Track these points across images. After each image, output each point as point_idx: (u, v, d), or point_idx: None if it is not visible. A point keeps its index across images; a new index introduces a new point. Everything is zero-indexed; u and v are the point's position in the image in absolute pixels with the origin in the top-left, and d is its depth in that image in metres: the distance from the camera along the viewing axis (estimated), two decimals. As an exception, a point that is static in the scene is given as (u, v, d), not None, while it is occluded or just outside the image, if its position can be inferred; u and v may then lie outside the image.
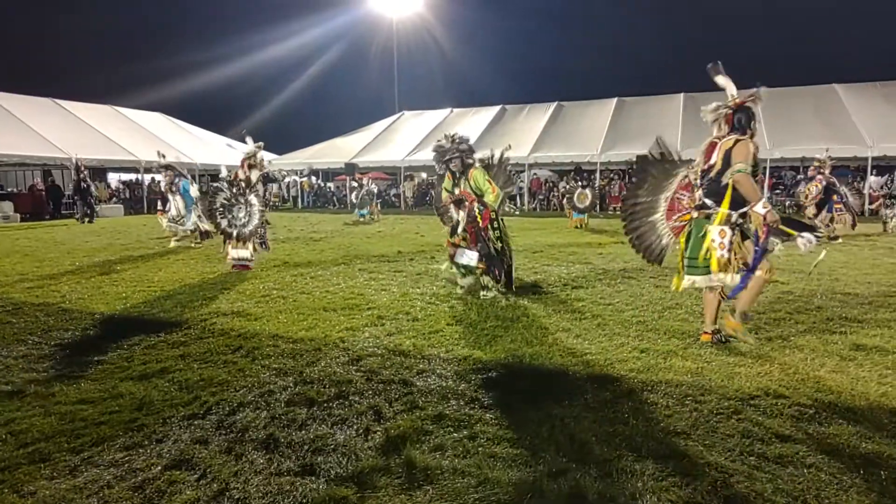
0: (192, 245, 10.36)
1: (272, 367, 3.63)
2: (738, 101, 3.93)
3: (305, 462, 2.44)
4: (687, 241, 4.05)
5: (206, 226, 10.18)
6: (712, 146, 3.94)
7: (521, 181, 21.43)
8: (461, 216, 5.68)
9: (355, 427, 2.77)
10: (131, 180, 27.84)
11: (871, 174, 18.68)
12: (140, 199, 24.29)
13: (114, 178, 28.48)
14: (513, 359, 3.72)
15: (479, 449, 2.52)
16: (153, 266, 7.94)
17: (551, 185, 25.09)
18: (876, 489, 2.18)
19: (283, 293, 5.92)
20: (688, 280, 4.03)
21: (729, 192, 3.77)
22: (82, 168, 17.80)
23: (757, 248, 3.82)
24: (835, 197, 10.74)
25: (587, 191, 14.23)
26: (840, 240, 10.32)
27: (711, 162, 3.90)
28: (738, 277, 3.81)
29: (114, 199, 24.65)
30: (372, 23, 41.84)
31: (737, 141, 3.79)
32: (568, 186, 15.45)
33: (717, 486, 2.21)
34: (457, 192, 5.78)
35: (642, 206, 4.48)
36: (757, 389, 3.15)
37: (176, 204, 10.71)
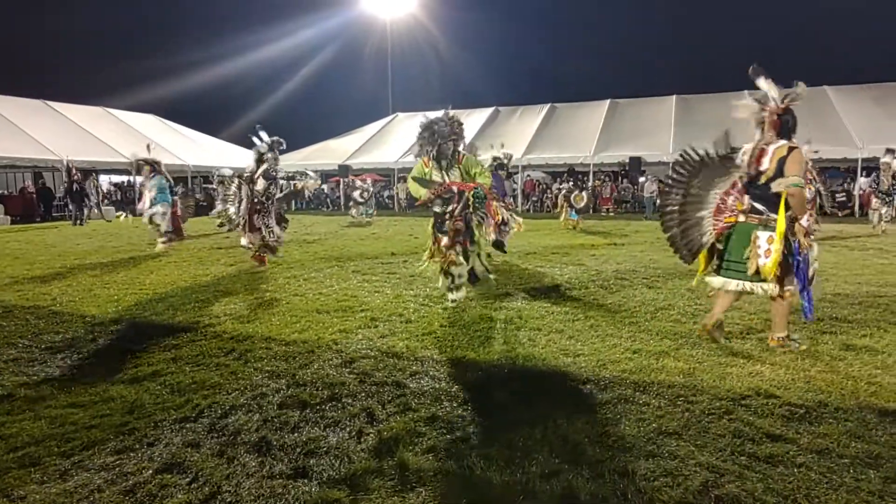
0: (157, 248, 9.79)
1: (265, 369, 3.61)
2: (785, 104, 3.87)
3: (298, 465, 2.44)
4: (727, 241, 3.98)
5: (166, 226, 9.93)
6: (762, 152, 3.86)
7: (515, 183, 21.47)
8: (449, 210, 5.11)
9: (348, 429, 2.77)
10: (123, 182, 27.68)
11: (861, 175, 18.82)
12: (132, 202, 24.14)
13: (105, 181, 28.30)
14: (506, 360, 3.73)
15: (472, 451, 2.52)
16: (145, 268, 7.90)
17: (544, 186, 25.15)
18: (865, 488, 2.20)
19: (276, 295, 5.90)
20: (721, 281, 4.00)
21: (783, 202, 3.73)
22: (74, 171, 17.69)
23: (798, 259, 3.82)
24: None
25: (583, 192, 14.36)
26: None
27: (762, 168, 3.82)
28: (773, 287, 3.80)
29: (105, 201, 24.49)
30: (365, 24, 41.82)
31: (790, 149, 3.74)
32: (569, 186, 15.58)
33: (708, 486, 2.22)
34: (439, 180, 5.25)
35: (692, 200, 4.26)
36: (748, 389, 3.17)
37: (149, 199, 10.10)
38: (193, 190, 18.44)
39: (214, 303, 5.58)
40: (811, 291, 3.91)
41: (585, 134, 22.80)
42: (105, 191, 26.03)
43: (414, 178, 5.38)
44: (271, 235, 7.70)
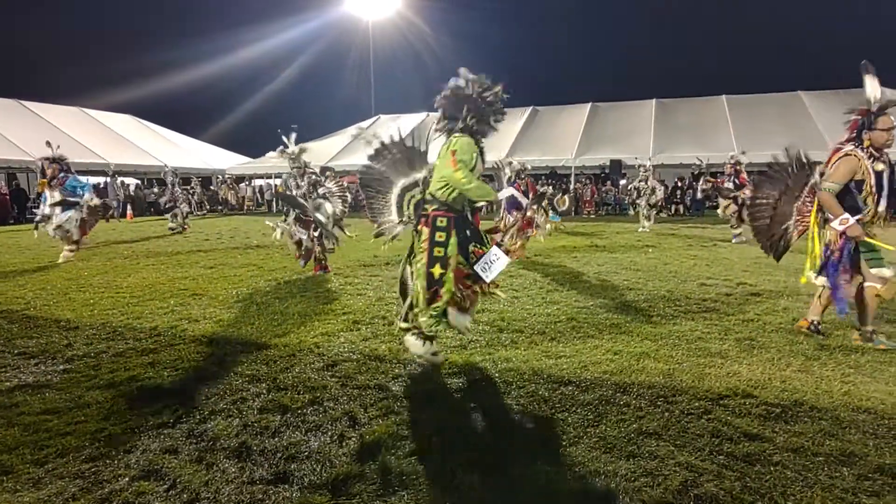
0: (60, 259, 8.66)
1: (244, 373, 3.57)
2: (873, 108, 3.93)
3: (279, 470, 2.41)
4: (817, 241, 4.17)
5: (77, 234, 8.94)
6: (834, 152, 4.06)
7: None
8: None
9: (330, 433, 2.75)
10: (99, 184, 27.16)
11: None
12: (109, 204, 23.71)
13: (81, 182, 27.77)
14: (487, 362, 3.73)
15: (455, 454, 2.52)
16: (121, 272, 7.76)
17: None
18: (839, 486, 2.25)
19: (257, 298, 5.84)
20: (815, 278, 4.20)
21: (829, 202, 3.96)
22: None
23: (829, 257, 4.03)
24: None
25: (566, 196, 14.51)
26: (742, 237, 10.72)
27: (829, 168, 4.05)
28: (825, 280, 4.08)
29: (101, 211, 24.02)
30: (348, 26, 41.71)
31: (845, 155, 3.93)
32: (551, 189, 15.71)
33: (687, 486, 2.25)
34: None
35: (787, 197, 4.45)
36: (726, 389, 3.22)
37: (51, 200, 8.84)
38: (107, 192, 17.67)
39: (193, 306, 5.50)
40: (841, 289, 4.02)
41: (567, 137, 23.01)
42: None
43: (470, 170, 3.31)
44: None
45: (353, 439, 2.68)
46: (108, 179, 22.63)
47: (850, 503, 2.14)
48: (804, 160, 4.32)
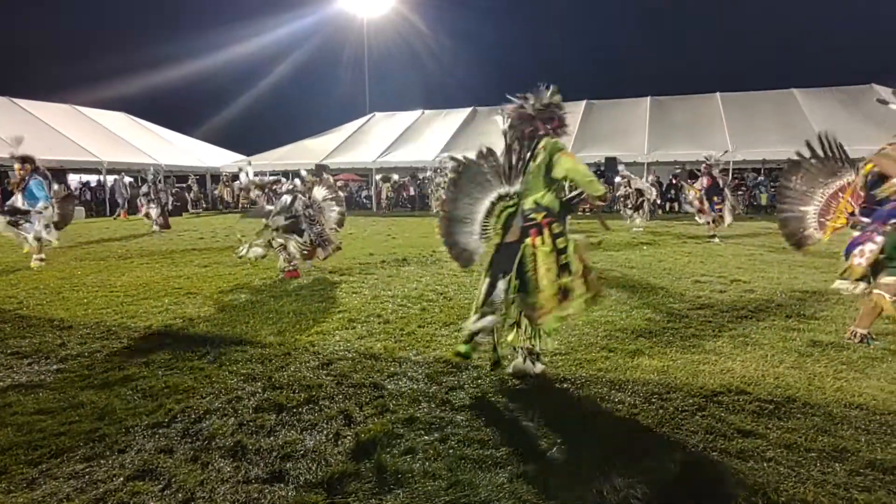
0: (32, 264, 7.95)
1: (240, 372, 3.57)
2: None
3: (274, 469, 2.41)
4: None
5: (51, 236, 8.39)
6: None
7: None
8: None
9: (325, 432, 2.75)
10: (90, 182, 27.04)
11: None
12: (102, 202, 23.60)
13: (74, 179, 27.60)
14: (484, 360, 3.74)
15: (450, 451, 2.53)
16: (115, 270, 7.73)
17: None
18: (832, 481, 2.27)
19: (252, 297, 5.82)
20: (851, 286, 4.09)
21: None
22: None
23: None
24: (715, 198, 11.25)
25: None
26: (717, 240, 10.75)
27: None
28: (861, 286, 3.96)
29: (74, 201, 23.89)
30: (343, 23, 41.59)
31: None
32: None
33: (681, 482, 2.26)
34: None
35: (795, 195, 4.41)
36: (720, 386, 3.24)
37: (15, 204, 8.19)
38: (71, 189, 16.87)
39: (187, 305, 5.49)
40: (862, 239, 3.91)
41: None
42: (73, 189, 25.41)
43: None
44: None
45: (349, 438, 2.68)
46: (116, 178, 22.52)
47: (842, 498, 2.16)
48: (841, 154, 4.17)
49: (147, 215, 14.17)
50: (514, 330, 3.48)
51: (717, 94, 23.97)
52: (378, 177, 25.96)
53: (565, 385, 3.29)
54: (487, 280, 3.33)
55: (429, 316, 4.93)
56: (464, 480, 2.29)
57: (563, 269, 3.20)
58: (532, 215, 3.29)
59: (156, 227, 13.72)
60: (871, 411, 2.91)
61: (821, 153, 4.26)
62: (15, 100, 23.18)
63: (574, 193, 3.53)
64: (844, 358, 3.73)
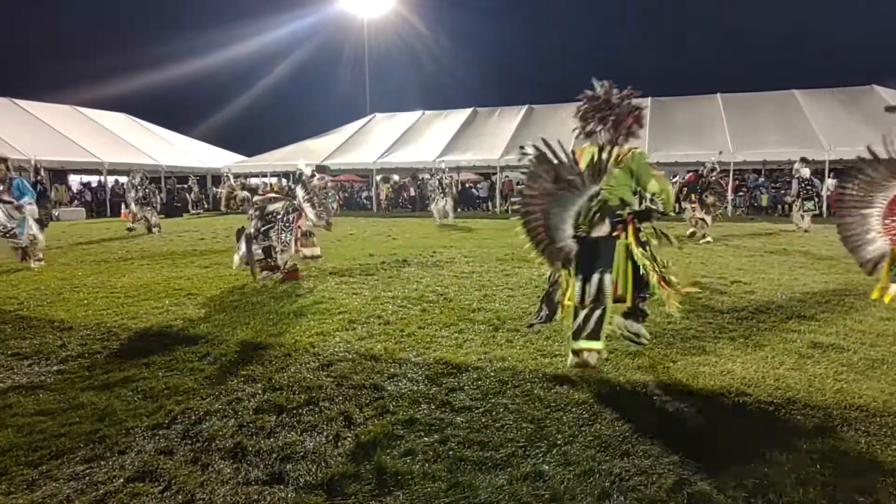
0: (33, 265, 7.93)
1: (240, 373, 3.57)
2: None
3: (274, 470, 2.41)
4: None
5: (41, 235, 8.29)
6: None
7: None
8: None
9: (325, 433, 2.75)
10: (91, 182, 27.06)
11: (829, 177, 19.36)
12: (103, 202, 23.62)
13: (75, 181, 27.65)
14: (483, 361, 3.74)
15: (450, 453, 2.53)
16: (116, 271, 7.73)
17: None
18: (832, 483, 2.26)
19: (252, 298, 5.83)
20: None
21: None
22: (41, 170, 17.20)
23: None
24: (692, 196, 11.28)
25: None
26: (708, 238, 10.75)
27: None
28: None
29: (75, 202, 23.92)
30: (343, 23, 41.61)
31: None
32: None
33: (681, 484, 2.26)
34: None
35: (853, 199, 4.03)
36: (720, 387, 3.24)
37: (3, 209, 7.97)
38: (45, 190, 16.48)
39: (188, 306, 5.49)
40: None
41: (563, 135, 22.62)
42: (76, 191, 25.47)
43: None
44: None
45: (349, 439, 2.68)
46: (127, 178, 22.49)
47: (841, 501, 2.16)
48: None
49: (145, 219, 13.94)
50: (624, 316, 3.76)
51: (718, 94, 23.98)
52: (378, 177, 25.97)
53: (564, 386, 3.29)
54: (581, 277, 3.43)
55: (429, 317, 4.93)
56: (464, 482, 2.29)
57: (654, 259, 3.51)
58: (619, 212, 3.53)
59: (155, 231, 13.65)
60: (872, 413, 2.91)
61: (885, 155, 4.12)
62: (16, 101, 23.23)
63: (650, 205, 3.81)
64: (845, 360, 3.72)
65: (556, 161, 3.16)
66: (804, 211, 12.97)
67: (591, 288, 3.39)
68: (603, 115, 3.66)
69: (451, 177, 19.03)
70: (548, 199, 3.30)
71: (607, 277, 3.41)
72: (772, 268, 7.50)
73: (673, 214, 3.75)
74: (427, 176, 21.08)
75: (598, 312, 3.38)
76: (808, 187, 13.06)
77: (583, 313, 3.40)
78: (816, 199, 13.50)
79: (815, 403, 3.03)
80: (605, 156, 3.24)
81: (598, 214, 3.42)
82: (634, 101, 3.67)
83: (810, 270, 7.19)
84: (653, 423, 2.80)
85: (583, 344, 3.40)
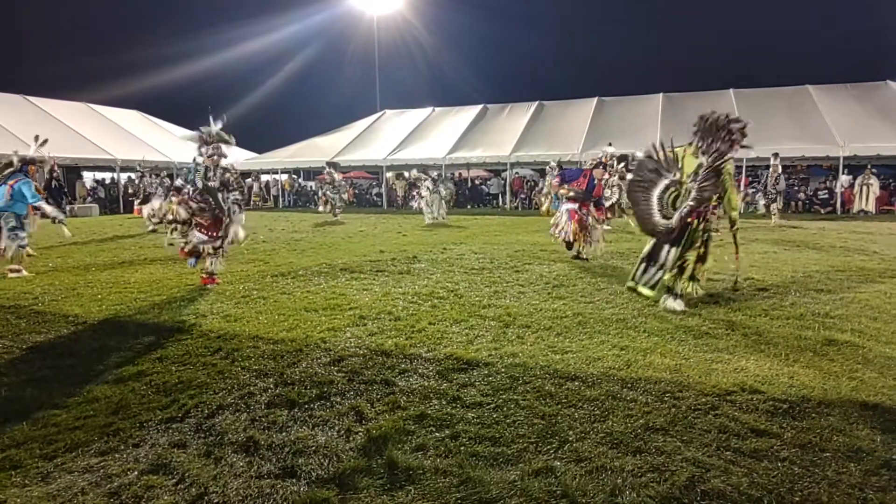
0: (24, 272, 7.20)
1: (252, 368, 3.59)
2: None
3: (286, 464, 2.43)
4: None
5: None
6: None
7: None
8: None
9: (337, 428, 2.76)
10: (105, 179, 27.30)
11: (843, 173, 19.11)
12: (116, 199, 23.83)
13: (88, 177, 27.90)
14: (494, 357, 3.74)
15: (461, 448, 2.53)
16: (129, 267, 7.80)
17: (532, 183, 25.23)
18: (847, 482, 2.24)
19: (264, 294, 5.86)
20: None
21: None
22: (55, 167, 17.38)
23: None
24: None
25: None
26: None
27: None
28: None
29: (88, 198, 24.16)
30: (353, 20, 41.58)
31: None
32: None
33: (694, 481, 2.24)
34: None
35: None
36: (733, 385, 3.21)
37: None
38: (62, 187, 16.07)
39: (200, 301, 5.53)
40: None
41: (573, 131, 22.88)
42: (89, 188, 25.71)
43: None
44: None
45: (360, 434, 2.69)
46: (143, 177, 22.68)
47: (857, 499, 2.13)
48: None
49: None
50: (675, 277, 4.97)
51: (731, 90, 23.71)
52: (389, 174, 25.96)
53: (576, 383, 3.28)
54: (652, 243, 5.15)
55: (439, 313, 4.93)
56: (475, 477, 2.29)
57: (705, 243, 4.91)
58: (691, 202, 4.78)
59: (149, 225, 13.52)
60: (888, 411, 2.87)
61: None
62: (29, 98, 23.46)
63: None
64: (860, 357, 3.68)
65: (654, 157, 4.99)
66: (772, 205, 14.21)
67: (661, 253, 4.99)
68: (715, 133, 4.79)
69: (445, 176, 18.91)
70: (643, 186, 5.09)
71: (673, 250, 4.92)
72: (785, 265, 7.42)
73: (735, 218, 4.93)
74: (413, 174, 20.63)
75: (659, 273, 4.97)
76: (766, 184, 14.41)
77: (645, 267, 5.10)
78: (774, 195, 14.64)
79: (830, 401, 2.99)
80: (712, 163, 4.69)
81: (675, 199, 4.92)
82: (731, 118, 4.83)
83: (825, 267, 7.11)
84: (665, 421, 2.78)
85: (640, 288, 5.11)
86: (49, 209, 7.85)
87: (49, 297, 5.80)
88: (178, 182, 5.91)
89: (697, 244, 4.87)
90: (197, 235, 6.15)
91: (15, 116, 20.96)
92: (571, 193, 7.84)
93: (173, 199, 5.95)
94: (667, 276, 4.93)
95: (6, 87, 23.23)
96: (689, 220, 4.77)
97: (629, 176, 5.19)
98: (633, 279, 5.26)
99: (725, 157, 4.72)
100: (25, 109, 22.52)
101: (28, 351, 4.01)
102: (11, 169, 7.64)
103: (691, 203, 4.74)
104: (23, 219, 7.44)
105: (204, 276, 6.35)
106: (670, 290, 4.97)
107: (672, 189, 4.99)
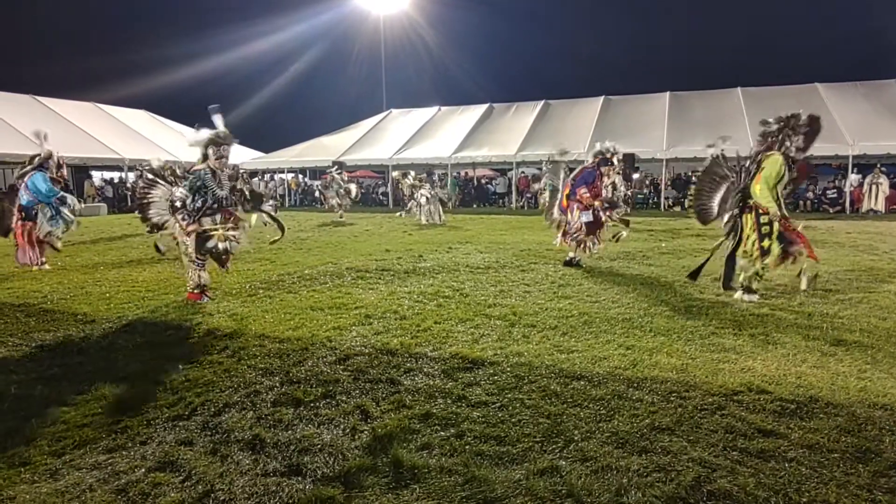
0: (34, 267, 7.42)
1: (258, 366, 3.60)
2: None
3: (292, 462, 2.43)
4: None
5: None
6: None
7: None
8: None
9: (342, 427, 2.76)
10: (113, 179, 27.48)
11: (852, 172, 18.96)
12: (124, 198, 23.98)
13: (97, 177, 28.08)
14: (500, 356, 3.73)
15: (467, 447, 2.53)
16: (137, 266, 7.85)
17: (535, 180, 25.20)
18: (855, 482, 2.22)
19: (270, 292, 5.88)
20: None
21: None
22: (63, 166, 17.51)
23: None
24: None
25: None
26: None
27: None
28: None
29: (97, 197, 24.33)
30: (359, 20, 41.62)
31: None
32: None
33: (700, 482, 2.23)
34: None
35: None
36: (740, 385, 3.19)
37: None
38: (69, 187, 16.13)
39: (207, 300, 5.54)
40: None
41: (579, 130, 22.81)
42: (97, 187, 25.88)
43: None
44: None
45: (366, 433, 2.69)
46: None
47: (865, 500, 2.12)
48: None
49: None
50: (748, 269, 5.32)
51: (738, 88, 23.56)
52: (395, 173, 25.99)
53: (582, 382, 3.27)
54: (724, 238, 5.59)
55: (445, 312, 4.93)
56: (480, 477, 2.29)
57: (764, 236, 5.10)
58: (748, 201, 5.23)
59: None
60: (897, 412, 2.85)
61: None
62: (38, 98, 23.63)
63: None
64: (868, 357, 3.65)
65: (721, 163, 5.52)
66: None
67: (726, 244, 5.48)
68: (788, 133, 5.18)
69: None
70: (710, 185, 5.64)
71: (729, 243, 5.43)
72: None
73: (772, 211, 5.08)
74: (396, 174, 20.37)
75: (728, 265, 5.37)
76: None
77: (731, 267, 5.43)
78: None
79: (838, 402, 2.97)
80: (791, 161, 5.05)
81: (736, 199, 5.33)
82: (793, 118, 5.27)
83: (833, 267, 7.05)
84: (671, 420, 2.77)
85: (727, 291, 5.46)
86: (70, 199, 8.20)
87: (58, 295, 5.85)
88: (179, 193, 5.45)
89: (753, 237, 5.17)
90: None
91: (24, 116, 21.10)
92: (606, 204, 7.52)
93: (181, 221, 5.50)
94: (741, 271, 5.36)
95: (16, 88, 23.43)
96: (742, 215, 5.27)
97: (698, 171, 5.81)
98: (726, 286, 5.43)
99: (769, 153, 5.12)
100: (34, 109, 22.68)
101: (37, 349, 4.04)
102: (27, 168, 8.01)
103: (737, 196, 5.23)
104: (62, 208, 7.81)
105: (193, 291, 5.59)
106: (743, 286, 5.37)
107: (736, 191, 5.37)
